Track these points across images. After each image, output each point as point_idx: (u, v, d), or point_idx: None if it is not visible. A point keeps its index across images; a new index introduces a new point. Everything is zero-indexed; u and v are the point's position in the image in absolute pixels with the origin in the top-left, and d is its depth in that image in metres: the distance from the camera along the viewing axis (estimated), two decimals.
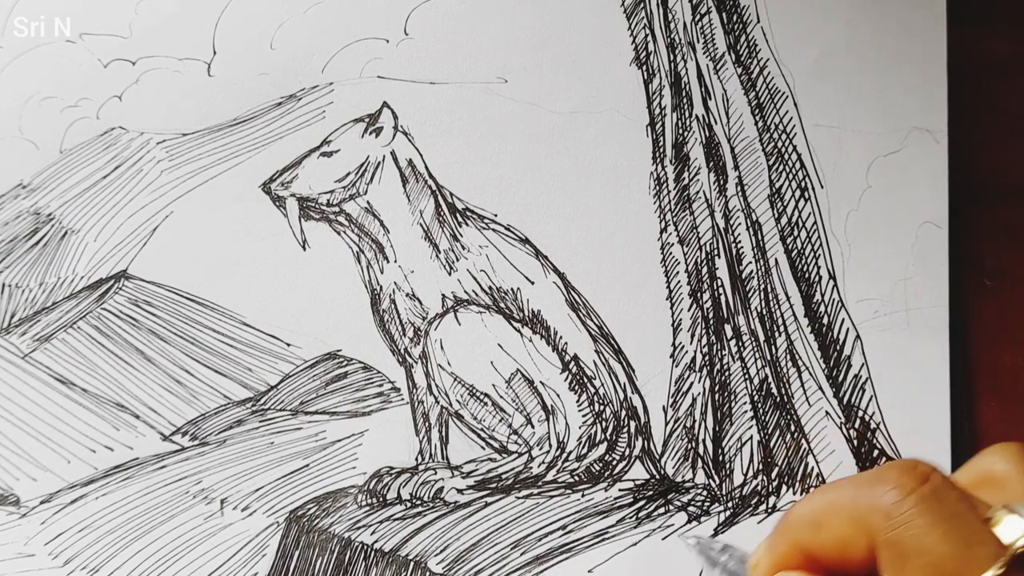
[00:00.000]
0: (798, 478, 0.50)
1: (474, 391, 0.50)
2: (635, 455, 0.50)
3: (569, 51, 0.52)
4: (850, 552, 0.29)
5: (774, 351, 0.51)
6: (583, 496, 0.50)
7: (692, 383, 0.51)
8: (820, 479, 0.50)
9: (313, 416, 0.50)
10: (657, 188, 0.52)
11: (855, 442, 0.51)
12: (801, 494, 0.50)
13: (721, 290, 0.51)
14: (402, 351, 0.50)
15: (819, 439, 0.51)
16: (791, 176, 0.52)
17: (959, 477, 0.32)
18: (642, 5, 0.52)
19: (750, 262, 0.52)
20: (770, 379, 0.51)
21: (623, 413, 0.50)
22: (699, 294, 0.51)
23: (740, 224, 0.52)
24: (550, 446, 0.50)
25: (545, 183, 0.51)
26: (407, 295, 0.50)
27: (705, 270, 0.51)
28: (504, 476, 0.49)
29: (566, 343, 0.50)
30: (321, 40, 0.51)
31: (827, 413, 0.51)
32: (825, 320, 0.52)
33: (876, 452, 0.50)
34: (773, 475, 0.50)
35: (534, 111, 0.51)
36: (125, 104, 0.50)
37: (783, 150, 0.52)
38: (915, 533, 0.27)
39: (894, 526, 0.27)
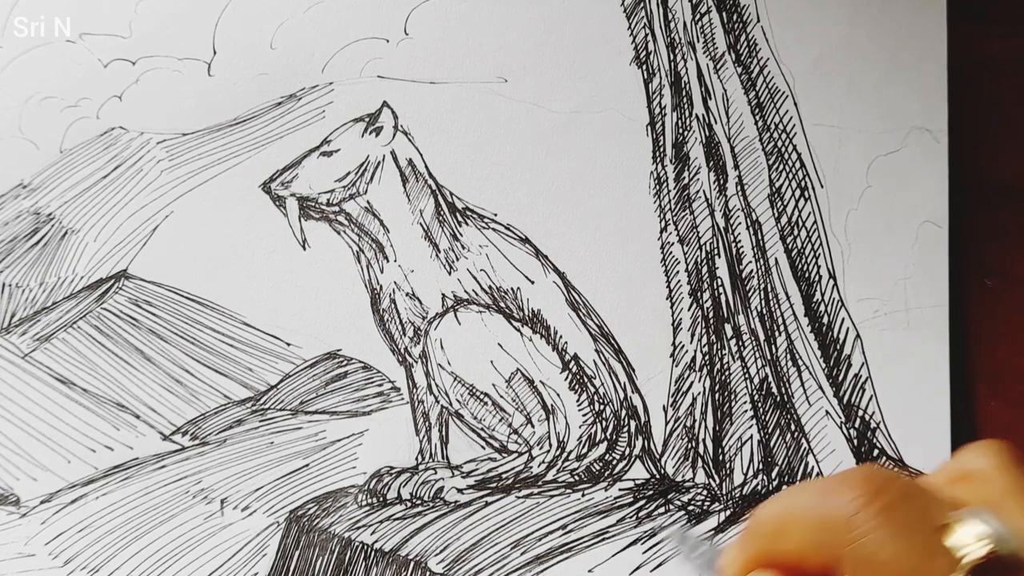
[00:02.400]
0: (798, 478, 0.50)
1: (474, 391, 0.50)
2: (635, 455, 0.50)
3: (569, 51, 0.52)
4: (811, 561, 0.29)
5: (774, 350, 0.51)
6: (583, 496, 0.50)
7: (692, 382, 0.51)
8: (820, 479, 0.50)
9: (313, 416, 0.50)
10: (657, 188, 0.52)
11: (855, 442, 0.51)
12: None
13: (721, 289, 0.51)
14: (402, 350, 0.50)
15: (819, 439, 0.51)
16: (791, 175, 0.52)
17: (938, 475, 0.32)
18: (642, 5, 0.52)
19: (750, 261, 0.52)
20: (770, 378, 0.51)
21: (623, 412, 0.50)
22: (699, 293, 0.51)
23: (740, 223, 0.52)
24: (550, 446, 0.50)
25: (545, 183, 0.51)
26: (407, 294, 0.50)
27: (705, 269, 0.51)
28: (504, 476, 0.49)
29: (566, 342, 0.50)
30: (321, 40, 0.51)
31: (827, 413, 0.51)
32: (825, 320, 0.52)
33: (876, 451, 0.50)
34: (773, 475, 0.50)
35: (534, 111, 0.51)
36: (125, 104, 0.50)
37: (783, 149, 0.52)
38: (875, 545, 0.26)
39: (855, 537, 0.27)
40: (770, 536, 0.30)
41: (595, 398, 0.50)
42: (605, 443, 0.50)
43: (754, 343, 0.51)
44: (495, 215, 0.51)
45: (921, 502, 0.28)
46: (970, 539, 0.27)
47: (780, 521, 0.30)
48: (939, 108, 0.53)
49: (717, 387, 0.51)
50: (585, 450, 0.50)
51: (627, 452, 0.50)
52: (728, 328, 0.51)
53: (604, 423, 0.50)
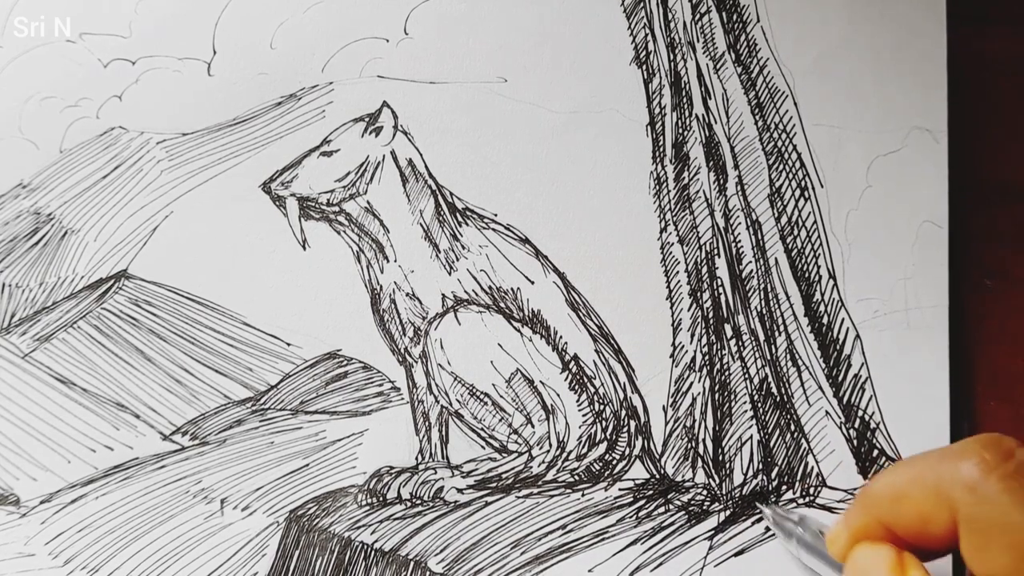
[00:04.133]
0: (798, 478, 0.50)
1: (474, 391, 0.50)
2: (635, 455, 0.50)
3: (569, 51, 0.52)
4: (931, 527, 0.29)
5: (774, 351, 0.51)
6: (583, 496, 0.50)
7: (692, 383, 0.51)
8: (820, 479, 0.50)
9: (313, 416, 0.50)
10: (657, 188, 0.52)
11: (855, 442, 0.51)
12: (801, 494, 0.50)
13: (721, 290, 0.51)
14: (402, 351, 0.50)
15: (819, 439, 0.51)
16: (791, 175, 0.52)
17: None
18: (642, 4, 0.52)
19: (750, 261, 0.52)
20: (770, 379, 0.51)
21: (623, 413, 0.50)
22: (699, 294, 0.51)
23: (740, 223, 0.52)
24: (550, 445, 0.50)
25: (545, 183, 0.51)
26: (407, 295, 0.50)
27: (705, 270, 0.51)
28: (504, 476, 0.49)
29: (566, 343, 0.50)
30: (321, 40, 0.51)
31: (827, 413, 0.51)
32: (825, 320, 0.52)
33: (876, 452, 0.50)
34: (773, 475, 0.50)
35: (534, 111, 0.51)
36: (125, 104, 0.50)
37: (783, 149, 0.52)
38: (999, 510, 0.26)
39: (978, 501, 0.27)
40: (889, 503, 0.30)
41: (595, 398, 0.50)
42: (605, 443, 0.50)
43: (754, 343, 0.51)
44: (495, 215, 0.51)
45: None
46: None
47: (900, 487, 0.30)
48: (939, 108, 0.53)
49: (717, 387, 0.51)
50: (585, 450, 0.50)
51: (627, 452, 0.50)
52: (728, 328, 0.51)
53: (604, 423, 0.50)
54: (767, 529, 0.49)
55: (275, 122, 0.50)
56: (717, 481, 0.50)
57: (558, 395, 0.50)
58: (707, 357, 0.51)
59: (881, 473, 0.31)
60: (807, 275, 0.52)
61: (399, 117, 0.51)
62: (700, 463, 0.50)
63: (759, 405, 0.51)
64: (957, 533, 0.28)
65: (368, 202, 0.51)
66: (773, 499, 0.49)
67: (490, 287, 0.51)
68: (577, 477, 0.50)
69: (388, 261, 0.50)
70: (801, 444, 0.51)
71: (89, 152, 0.50)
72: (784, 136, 0.53)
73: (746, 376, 0.51)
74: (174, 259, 0.50)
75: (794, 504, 0.50)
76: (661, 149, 0.52)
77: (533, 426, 0.50)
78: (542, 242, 0.51)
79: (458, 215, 0.51)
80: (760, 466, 0.50)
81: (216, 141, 0.50)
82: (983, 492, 0.27)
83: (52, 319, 0.49)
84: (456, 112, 0.51)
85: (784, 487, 0.50)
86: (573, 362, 0.50)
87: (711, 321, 0.51)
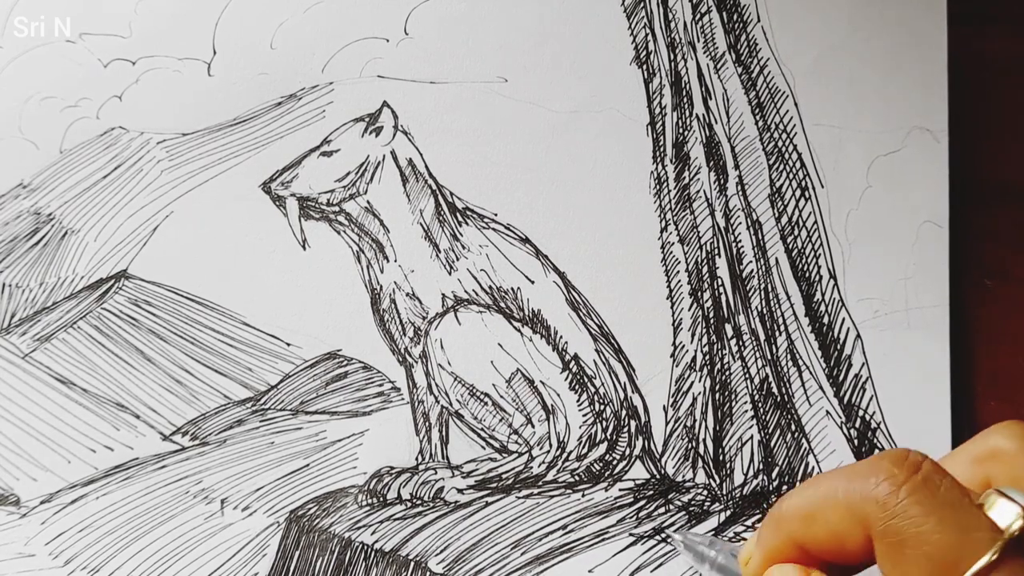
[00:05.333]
0: (798, 478, 0.50)
1: (474, 391, 0.50)
2: (635, 455, 0.50)
3: (569, 50, 0.52)
4: (845, 544, 0.29)
5: (774, 350, 0.51)
6: (583, 496, 0.50)
7: (692, 382, 0.51)
8: None
9: (313, 416, 0.50)
10: (657, 187, 0.52)
11: (855, 442, 0.51)
12: None
13: (721, 289, 0.51)
14: (402, 351, 0.50)
15: (819, 439, 0.51)
16: (791, 175, 0.52)
17: (963, 452, 0.32)
18: (642, 4, 0.52)
19: (750, 261, 0.52)
20: (770, 378, 0.51)
21: (623, 413, 0.50)
22: (699, 293, 0.51)
23: (740, 223, 0.52)
24: (550, 446, 0.50)
25: (545, 183, 0.51)
26: (407, 295, 0.50)
27: (705, 269, 0.51)
28: (504, 476, 0.49)
29: (566, 342, 0.50)
30: (321, 40, 0.51)
31: (827, 412, 0.51)
32: (825, 319, 0.52)
33: (877, 451, 0.50)
34: (773, 475, 0.50)
35: (534, 110, 0.51)
36: (125, 104, 0.50)
37: (783, 149, 0.52)
38: (910, 522, 0.27)
39: (889, 516, 0.27)
40: (801, 522, 0.31)
41: (595, 398, 0.50)
42: (605, 443, 0.50)
43: (754, 343, 0.51)
44: (495, 215, 0.51)
45: (953, 481, 0.28)
46: (1007, 515, 0.27)
47: (811, 506, 0.30)
48: (939, 108, 0.53)
49: (717, 387, 0.51)
50: (585, 450, 0.50)
51: (627, 452, 0.50)
52: (728, 328, 0.51)
53: (604, 423, 0.50)
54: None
55: (275, 122, 0.50)
56: (718, 481, 0.50)
57: (558, 395, 0.50)
58: (708, 357, 0.51)
59: (791, 492, 0.32)
60: (807, 275, 0.52)
61: (399, 117, 0.51)
62: (701, 463, 0.50)
63: (760, 405, 0.51)
64: (872, 548, 0.29)
65: (368, 202, 0.51)
66: (682, 525, 0.49)
67: (490, 287, 0.50)
68: (577, 477, 0.50)
69: (388, 261, 0.50)
70: (802, 444, 0.51)
71: (89, 152, 0.50)
72: (784, 136, 0.53)
73: (747, 376, 0.51)
74: (174, 259, 0.50)
75: None
76: (661, 149, 0.52)
77: (533, 426, 0.50)
78: (542, 242, 0.51)
79: (458, 215, 0.51)
80: (761, 466, 0.50)
81: (216, 141, 0.50)
82: (893, 506, 0.28)
83: (52, 319, 0.49)
84: (456, 112, 0.51)
85: (785, 487, 0.50)
86: (573, 362, 0.50)
87: (712, 321, 0.51)
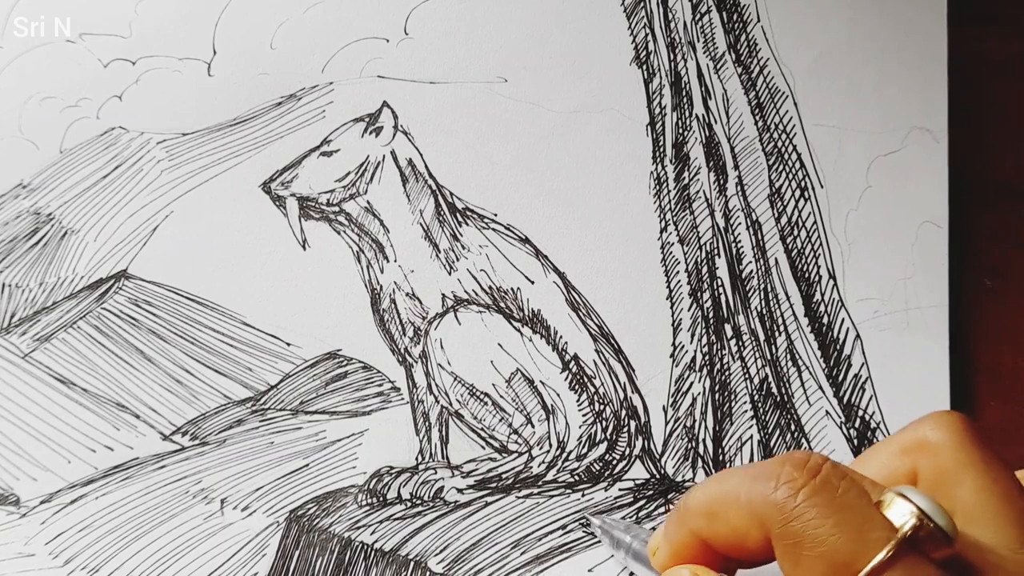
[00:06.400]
0: None
1: (474, 390, 0.50)
2: (635, 455, 0.50)
3: (569, 50, 0.52)
4: (746, 542, 0.30)
5: (774, 351, 0.51)
6: (583, 496, 0.50)
7: (692, 383, 0.51)
8: None
9: (313, 416, 0.50)
10: (657, 188, 0.52)
11: (855, 441, 0.51)
12: None
13: (721, 290, 0.51)
14: (402, 351, 0.50)
15: (819, 439, 0.51)
16: (791, 176, 0.52)
17: (893, 442, 0.33)
18: (642, 4, 0.52)
19: (750, 262, 0.52)
20: (770, 379, 0.51)
21: (623, 413, 0.50)
22: (699, 294, 0.51)
23: (740, 224, 0.52)
24: (550, 446, 0.50)
25: (545, 183, 0.51)
26: (407, 295, 0.50)
27: (705, 270, 0.51)
28: (504, 476, 0.49)
29: (566, 343, 0.50)
30: (321, 40, 0.51)
31: (827, 413, 0.51)
32: (825, 320, 0.52)
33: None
34: None
35: (534, 110, 0.51)
36: (125, 104, 0.50)
37: (783, 150, 0.52)
38: (807, 524, 0.27)
39: (787, 519, 0.28)
40: (703, 518, 0.31)
41: (595, 398, 0.50)
42: (605, 443, 0.50)
43: (754, 343, 0.51)
44: (495, 215, 0.51)
45: (852, 482, 0.29)
46: (902, 514, 0.27)
47: (713, 504, 0.31)
48: (939, 108, 0.53)
49: (717, 387, 0.51)
50: (585, 450, 0.50)
51: (627, 452, 0.50)
52: (728, 328, 0.51)
53: (604, 423, 0.50)
54: None
55: (275, 122, 0.50)
56: None
57: (558, 395, 0.50)
58: (707, 357, 0.51)
59: (697, 487, 0.32)
60: (807, 275, 0.52)
61: (399, 117, 0.51)
62: (700, 463, 0.50)
63: (759, 405, 0.51)
64: (772, 546, 0.29)
65: (368, 202, 0.51)
66: (603, 511, 0.49)
67: (490, 287, 0.51)
68: (577, 477, 0.50)
69: (388, 261, 0.50)
70: (801, 444, 0.51)
71: (89, 152, 0.50)
72: (784, 136, 0.53)
73: (746, 376, 0.51)
74: (174, 259, 0.50)
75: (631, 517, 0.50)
76: (661, 149, 0.52)
77: (533, 426, 0.50)
78: (542, 242, 0.51)
79: (458, 215, 0.51)
80: None
81: (216, 141, 0.50)
82: (791, 510, 0.28)
83: (52, 319, 0.49)
84: (456, 112, 0.51)
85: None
86: (573, 362, 0.50)
87: (711, 321, 0.51)
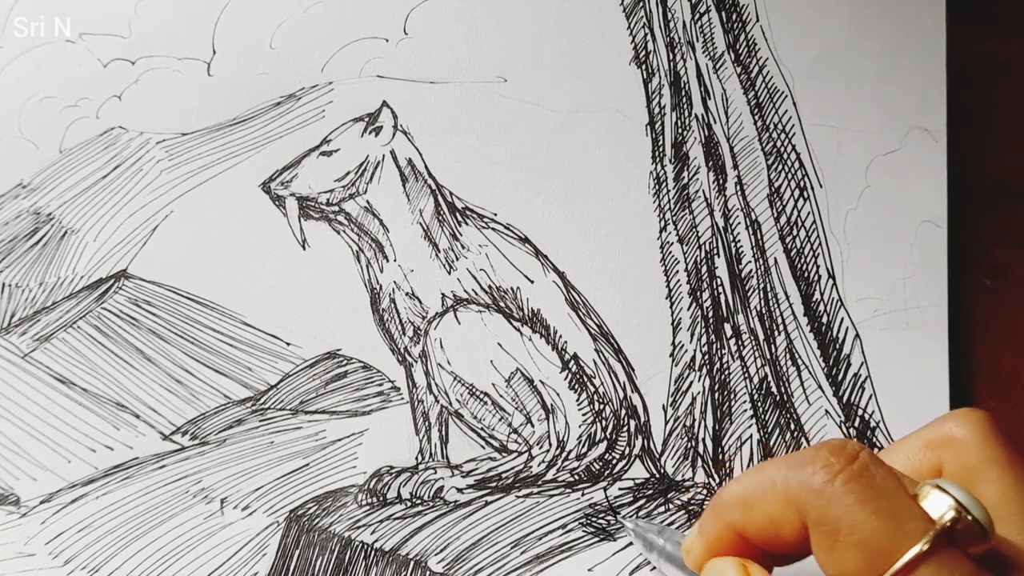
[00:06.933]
0: None
1: (474, 390, 0.50)
2: (635, 454, 0.50)
3: (569, 50, 0.52)
4: (782, 531, 0.29)
5: (774, 350, 0.51)
6: (583, 495, 0.50)
7: (692, 382, 0.51)
8: None
9: (313, 415, 0.50)
10: (656, 187, 0.52)
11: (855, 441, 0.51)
12: None
13: (721, 289, 0.51)
14: (402, 350, 0.50)
15: (819, 438, 0.51)
16: (790, 175, 0.52)
17: (919, 437, 0.33)
18: (641, 4, 0.52)
19: (749, 261, 0.52)
20: (770, 378, 0.51)
21: (623, 412, 0.50)
22: (699, 293, 0.51)
23: (739, 223, 0.52)
24: (550, 445, 0.50)
25: (545, 182, 0.51)
26: (407, 294, 0.50)
27: (705, 269, 0.51)
28: (504, 475, 0.49)
29: (566, 342, 0.50)
30: (321, 39, 0.51)
31: (827, 412, 0.51)
32: (824, 319, 0.52)
33: (876, 450, 0.50)
34: None
35: (534, 110, 0.51)
36: (125, 104, 0.50)
37: (782, 149, 0.52)
38: (845, 511, 0.27)
39: (825, 504, 0.28)
40: (739, 509, 0.31)
41: (595, 397, 0.50)
42: (605, 442, 0.50)
43: (753, 343, 0.51)
44: (495, 214, 0.51)
45: (889, 471, 0.28)
46: (939, 506, 0.27)
47: (750, 494, 0.31)
48: (938, 108, 0.53)
49: (717, 386, 0.51)
50: (585, 449, 0.50)
51: (627, 451, 0.50)
52: (727, 328, 0.51)
53: (604, 422, 0.50)
54: None
55: (275, 122, 0.50)
56: (717, 480, 0.50)
57: (558, 394, 0.50)
58: (707, 356, 0.51)
59: (732, 480, 0.32)
60: (806, 275, 0.52)
61: (399, 117, 0.51)
62: (700, 462, 0.50)
63: (759, 404, 0.51)
64: (808, 537, 0.29)
65: (368, 202, 0.51)
66: (634, 513, 0.49)
67: (490, 286, 0.51)
68: (577, 476, 0.50)
69: (388, 260, 0.50)
70: (801, 443, 0.51)
71: (89, 152, 0.50)
72: (783, 136, 0.53)
73: (746, 375, 0.51)
74: (174, 259, 0.50)
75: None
76: (661, 149, 0.52)
77: (533, 425, 0.50)
78: (542, 241, 0.51)
79: (458, 214, 0.51)
80: None
81: (216, 141, 0.50)
82: (829, 495, 0.28)
83: (52, 319, 0.49)
84: (456, 112, 0.51)
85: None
86: (573, 361, 0.50)
87: (711, 320, 0.51)
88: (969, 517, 0.27)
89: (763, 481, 0.30)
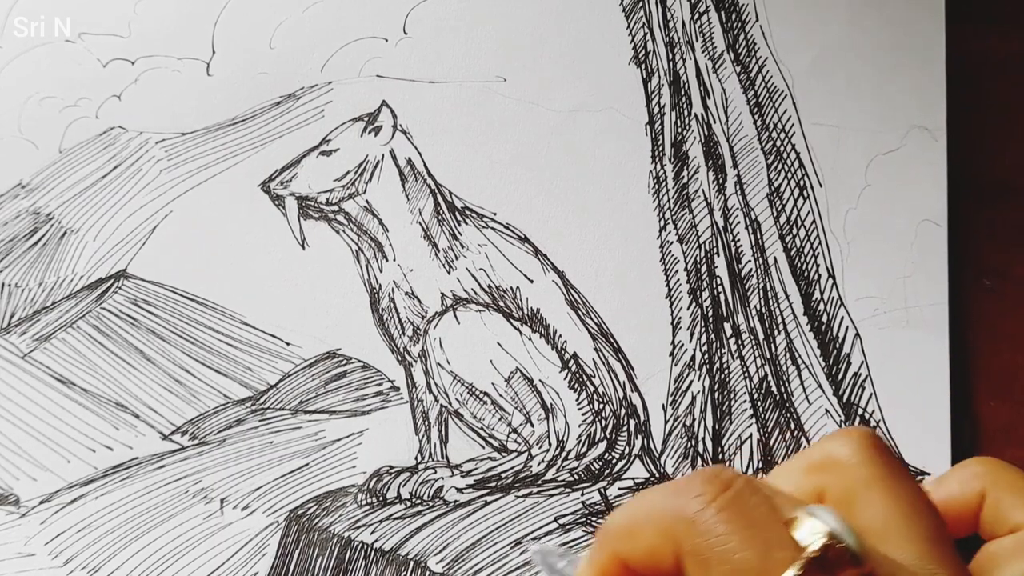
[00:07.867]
0: None
1: (473, 390, 0.50)
2: (635, 453, 0.50)
3: (568, 50, 0.52)
4: (660, 562, 0.29)
5: (773, 349, 0.51)
6: (583, 495, 0.50)
7: (691, 381, 0.51)
8: None
9: (313, 415, 0.50)
10: (656, 187, 0.52)
11: None
12: None
13: (720, 288, 0.51)
14: (401, 350, 0.50)
15: (819, 437, 0.51)
16: (790, 175, 0.52)
17: (799, 460, 0.32)
18: (641, 4, 0.52)
19: (749, 261, 0.52)
20: (769, 377, 0.51)
21: (622, 411, 0.50)
22: (698, 292, 0.51)
23: (739, 223, 0.52)
24: (550, 444, 0.50)
25: (544, 182, 0.51)
26: (406, 294, 0.50)
27: (704, 268, 0.51)
28: (504, 475, 0.49)
29: (565, 341, 0.50)
30: (320, 39, 0.51)
31: (827, 411, 0.51)
32: (824, 318, 0.52)
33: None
34: None
35: (533, 110, 0.51)
36: (124, 104, 0.50)
37: (782, 149, 0.52)
38: (715, 540, 0.27)
39: (696, 534, 0.27)
40: (624, 538, 0.31)
41: (594, 397, 0.50)
42: (604, 442, 0.50)
43: (753, 342, 0.51)
44: (494, 214, 0.51)
45: (764, 498, 0.28)
46: (811, 534, 0.27)
47: (630, 523, 0.30)
48: (938, 107, 0.53)
49: (716, 386, 0.51)
50: (584, 449, 0.50)
51: (626, 451, 0.50)
52: (727, 327, 0.51)
53: (603, 422, 0.50)
54: None
55: (274, 122, 0.50)
56: None
57: (557, 394, 0.50)
58: (706, 356, 0.51)
59: (619, 507, 0.32)
60: (806, 274, 0.52)
61: (398, 116, 0.51)
62: (700, 462, 0.50)
63: (759, 404, 0.51)
64: (683, 562, 0.29)
65: (367, 201, 0.51)
66: (543, 539, 0.49)
67: (489, 286, 0.51)
68: (577, 476, 0.50)
69: (387, 260, 0.50)
70: (801, 442, 0.51)
71: (88, 152, 0.50)
72: (783, 135, 0.53)
73: (746, 375, 0.51)
74: (173, 259, 0.50)
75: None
76: (660, 148, 0.52)
77: (532, 425, 0.50)
78: (541, 241, 0.51)
79: (457, 214, 0.51)
80: (760, 465, 0.50)
81: (215, 141, 0.50)
82: (700, 524, 0.27)
83: (52, 319, 0.49)
84: (455, 111, 0.51)
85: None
86: (572, 361, 0.50)
87: (710, 320, 0.51)
88: (840, 544, 0.27)
89: (644, 510, 0.30)
